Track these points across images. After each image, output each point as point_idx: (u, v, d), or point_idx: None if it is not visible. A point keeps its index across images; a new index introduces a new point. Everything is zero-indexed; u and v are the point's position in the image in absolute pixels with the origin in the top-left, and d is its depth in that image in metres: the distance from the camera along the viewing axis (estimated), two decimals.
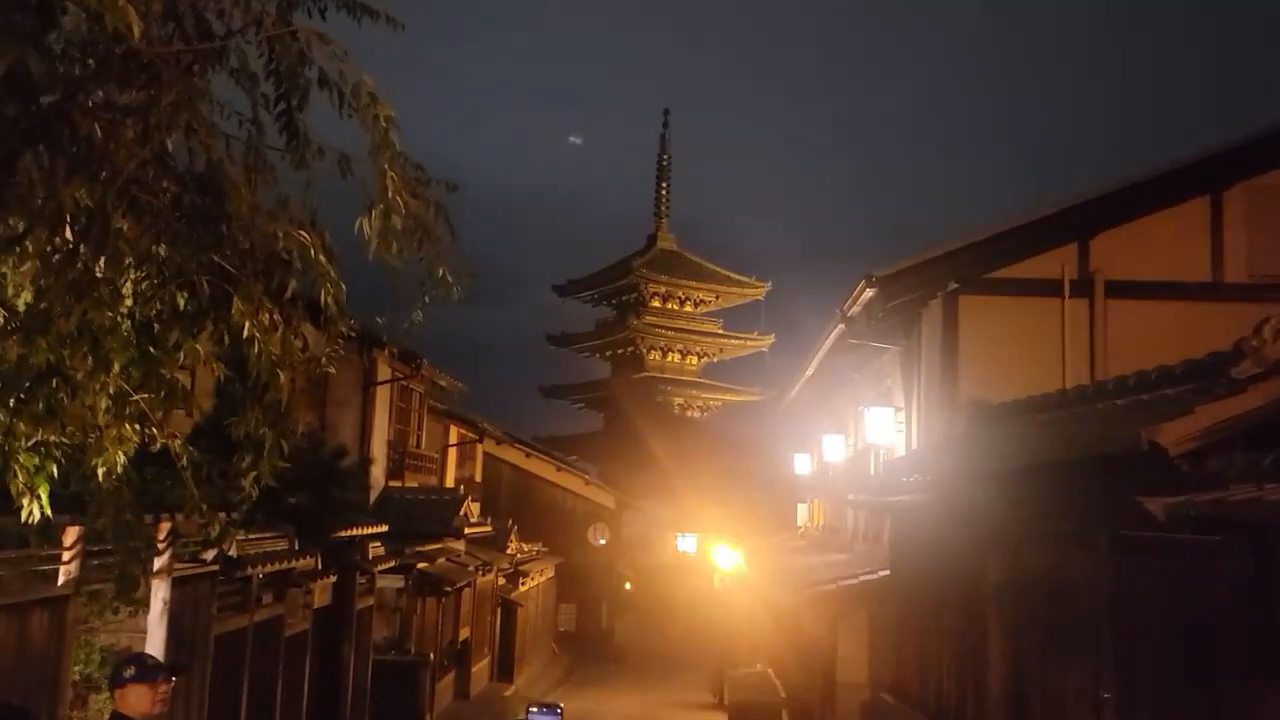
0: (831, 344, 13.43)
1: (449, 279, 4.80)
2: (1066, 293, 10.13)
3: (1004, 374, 9.88)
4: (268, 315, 4.35)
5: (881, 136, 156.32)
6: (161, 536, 6.96)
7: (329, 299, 4.19)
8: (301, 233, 4.06)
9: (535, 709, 2.98)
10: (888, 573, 11.27)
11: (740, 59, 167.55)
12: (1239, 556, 4.64)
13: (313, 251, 4.07)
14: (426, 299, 4.81)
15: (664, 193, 62.23)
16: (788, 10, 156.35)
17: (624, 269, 58.99)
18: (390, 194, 3.82)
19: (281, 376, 4.24)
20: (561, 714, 2.95)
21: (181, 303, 4.36)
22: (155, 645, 7.16)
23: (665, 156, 62.91)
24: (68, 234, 3.94)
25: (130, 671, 4.02)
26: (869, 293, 10.52)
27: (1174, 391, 5.32)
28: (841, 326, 11.93)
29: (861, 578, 11.90)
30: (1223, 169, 10.17)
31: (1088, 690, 6.27)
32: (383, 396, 18.97)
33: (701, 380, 61.68)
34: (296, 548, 10.62)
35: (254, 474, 4.51)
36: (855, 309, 11.20)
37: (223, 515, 5.01)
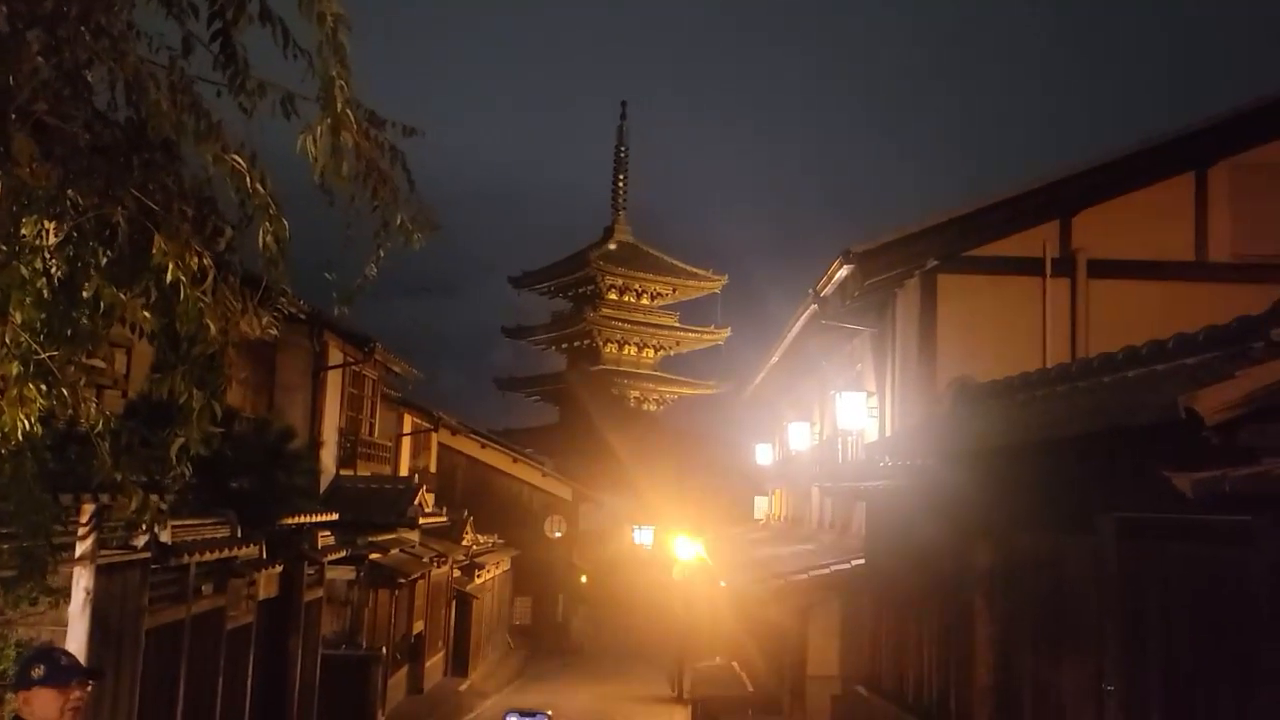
0: (802, 326, 13.02)
1: (409, 226, 4.28)
2: (1048, 271, 9.84)
3: (983, 355, 9.54)
4: (196, 260, 3.79)
5: (842, 131, 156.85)
6: (84, 519, 6.37)
7: (268, 237, 3.64)
8: (235, 157, 3.50)
9: (517, 715, 2.53)
10: (861, 561, 10.88)
11: (700, 51, 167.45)
12: (1274, 538, 4.25)
13: (249, 180, 3.52)
14: (381, 251, 4.29)
15: (621, 185, 61.80)
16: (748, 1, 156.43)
17: (580, 261, 58.50)
18: (339, 107, 3.27)
19: (211, 328, 3.68)
20: None
21: (99, 253, 3.82)
22: (77, 639, 6.54)
23: (623, 149, 62.50)
24: None
25: (39, 672, 3.36)
26: (845, 270, 10.11)
27: (1195, 361, 4.93)
28: (814, 307, 11.52)
29: (833, 567, 11.50)
30: (1208, 145, 9.90)
31: (1087, 682, 5.88)
32: (334, 382, 18.30)
33: (658, 373, 61.39)
34: (239, 535, 9.98)
35: (181, 442, 3.95)
36: (830, 288, 10.79)
37: (154, 497, 4.43)
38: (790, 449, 18.52)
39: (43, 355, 3.77)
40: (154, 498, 4.36)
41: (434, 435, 28.62)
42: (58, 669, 3.40)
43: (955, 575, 7.73)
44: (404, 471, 24.10)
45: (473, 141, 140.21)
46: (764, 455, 23.30)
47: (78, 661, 3.59)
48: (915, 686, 8.76)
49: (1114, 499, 5.57)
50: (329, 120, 3.23)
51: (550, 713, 2.83)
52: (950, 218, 9.90)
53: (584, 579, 37.39)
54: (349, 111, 3.29)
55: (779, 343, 15.69)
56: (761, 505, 26.29)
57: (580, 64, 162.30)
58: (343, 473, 18.86)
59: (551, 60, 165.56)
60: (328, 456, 17.89)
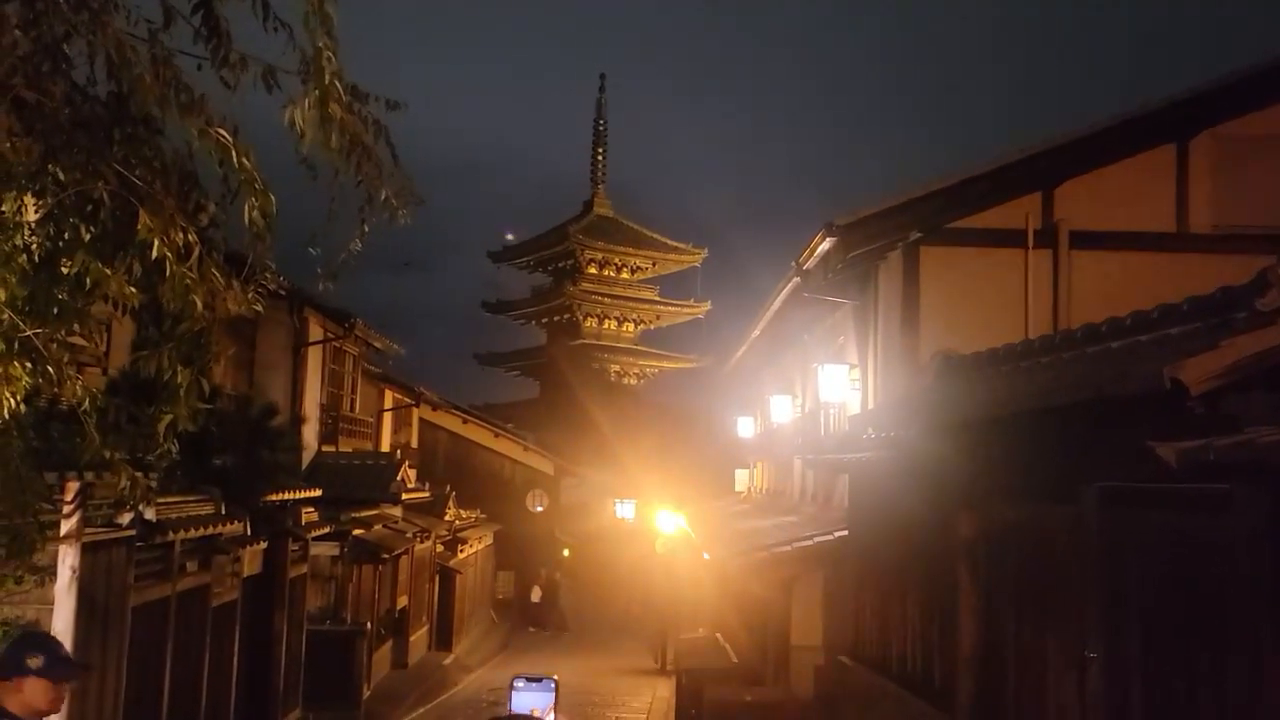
0: (784, 299, 13.04)
1: (393, 201, 4.25)
2: (1030, 243, 9.88)
3: (966, 327, 9.58)
4: (181, 236, 3.76)
5: (824, 103, 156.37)
6: (69, 497, 6.33)
7: (254, 213, 3.61)
8: (221, 132, 3.46)
9: (524, 680, 2.57)
10: (844, 533, 10.96)
11: (679, 22, 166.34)
12: (1254, 506, 4.30)
13: (235, 155, 3.48)
14: (366, 227, 4.26)
15: (600, 158, 61.54)
16: None
17: (560, 235, 58.31)
18: (327, 78, 3.23)
19: (198, 304, 3.65)
20: (557, 686, 2.55)
21: (82, 229, 3.78)
22: (63, 617, 6.52)
23: (601, 122, 62.20)
24: None
25: (38, 662, 3.26)
26: (827, 243, 10.11)
27: (1178, 331, 4.97)
28: (797, 280, 11.53)
29: (816, 539, 11.58)
30: (1189, 116, 9.93)
31: (1070, 650, 5.96)
32: (314, 358, 18.20)
33: (638, 347, 61.39)
34: (223, 512, 9.96)
35: (170, 419, 3.92)
36: (812, 261, 10.79)
37: (139, 474, 4.41)
38: (772, 422, 18.59)
39: (27, 332, 3.73)
40: (140, 475, 4.34)
41: (415, 411, 28.56)
42: (57, 661, 3.30)
43: (938, 546, 7.80)
44: (386, 447, 24.04)
45: (446, 114, 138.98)
46: (746, 428, 23.37)
47: (71, 655, 3.47)
48: (899, 656, 8.85)
49: (1097, 468, 5.62)
50: (316, 92, 3.19)
51: (557, 678, 2.85)
52: (933, 189, 9.92)
53: (566, 553, 37.52)
54: (337, 84, 3.26)
55: (761, 316, 15.72)
56: (743, 478, 26.41)
57: (557, 36, 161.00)
58: (324, 449, 18.80)
59: (527, 35, 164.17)
60: (309, 433, 17.83)
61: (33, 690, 3.20)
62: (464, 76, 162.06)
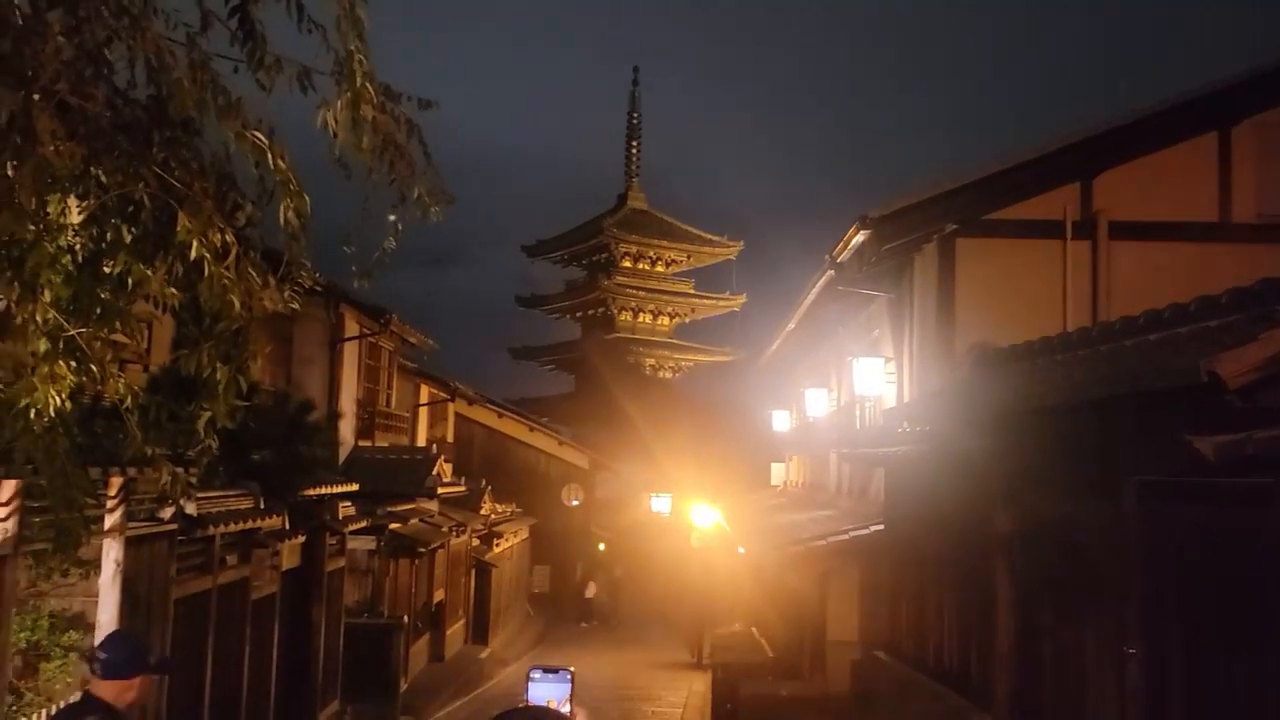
0: (819, 292, 12.99)
1: (426, 199, 4.29)
2: (1069, 234, 9.76)
3: (1002, 320, 9.50)
4: (219, 236, 3.82)
5: (859, 90, 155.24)
6: (112, 492, 6.45)
7: (289, 213, 3.66)
8: (257, 134, 3.51)
9: (540, 671, 2.61)
10: (881, 527, 10.92)
11: (712, 12, 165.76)
12: None
13: (270, 157, 3.53)
14: (399, 225, 4.30)
15: (634, 151, 61.49)
16: None
17: (594, 229, 58.34)
18: (359, 80, 3.27)
19: (236, 303, 3.71)
20: (573, 678, 2.59)
21: (124, 230, 3.85)
22: (108, 609, 6.65)
23: (635, 115, 62.15)
24: None
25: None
26: (861, 235, 10.06)
27: (1217, 323, 4.90)
28: (831, 273, 11.48)
29: (853, 533, 11.54)
30: (1232, 104, 9.78)
31: (1109, 645, 5.91)
32: (350, 353, 18.36)
33: (673, 341, 61.33)
34: (262, 506, 10.08)
35: (209, 416, 3.99)
36: (846, 254, 10.74)
37: (182, 470, 4.48)
38: (808, 415, 18.54)
39: (72, 332, 3.81)
40: (181, 471, 4.41)
41: (451, 405, 28.72)
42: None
43: (975, 540, 7.76)
44: (421, 442, 24.21)
45: (479, 109, 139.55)
46: (781, 422, 23.33)
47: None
48: (936, 651, 8.81)
49: (1135, 462, 5.57)
50: (349, 94, 3.23)
51: (573, 669, 2.90)
52: (969, 181, 9.84)
53: (602, 547, 37.63)
54: (368, 85, 3.30)
55: (795, 309, 15.67)
56: (779, 472, 26.36)
57: (590, 30, 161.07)
58: (361, 443, 18.96)
59: (560, 31, 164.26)
60: (346, 428, 17.98)
61: (144, 686, 3.32)
62: (497, 71, 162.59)
